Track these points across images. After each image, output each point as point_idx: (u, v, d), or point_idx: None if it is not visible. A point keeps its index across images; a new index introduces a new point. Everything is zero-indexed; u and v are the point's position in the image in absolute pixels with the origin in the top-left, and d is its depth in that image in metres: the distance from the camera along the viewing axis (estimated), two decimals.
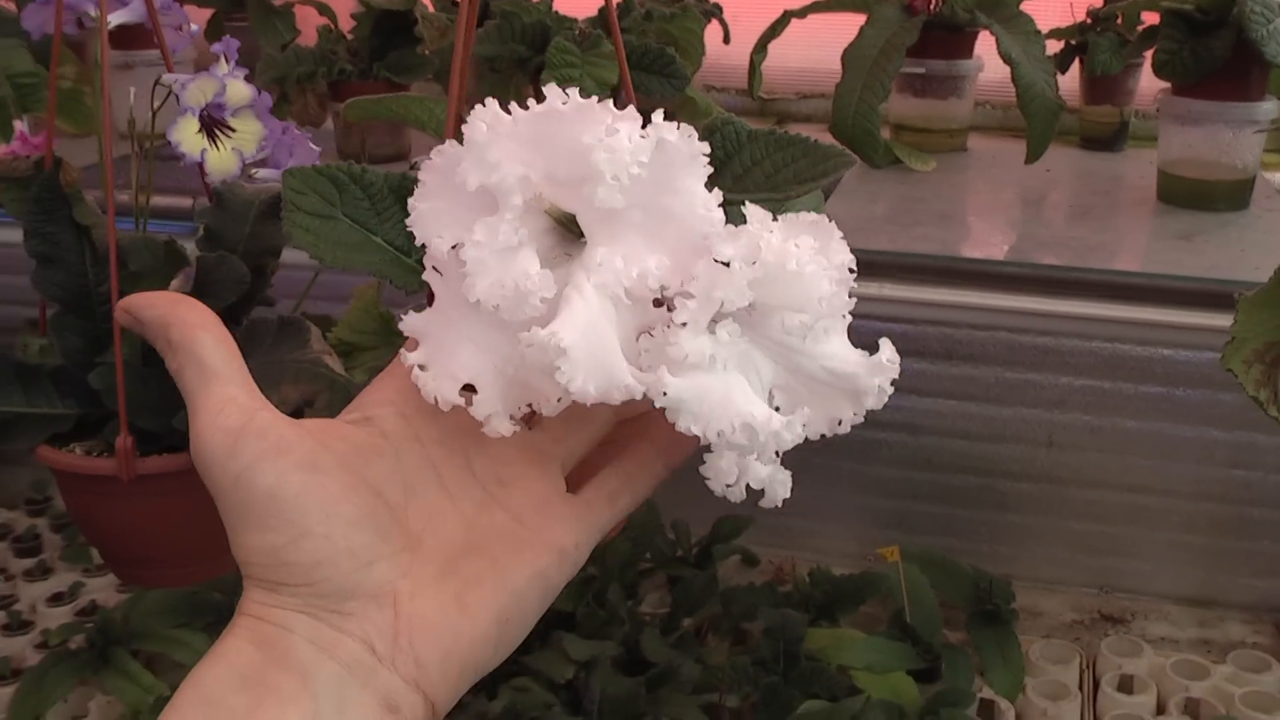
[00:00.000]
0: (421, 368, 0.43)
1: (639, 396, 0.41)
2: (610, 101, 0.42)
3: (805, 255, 0.42)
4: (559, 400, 0.43)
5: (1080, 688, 1.30)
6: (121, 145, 0.86)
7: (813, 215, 0.44)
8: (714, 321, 0.43)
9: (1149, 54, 1.58)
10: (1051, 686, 1.29)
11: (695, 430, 0.41)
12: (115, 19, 0.80)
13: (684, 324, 0.41)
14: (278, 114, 0.87)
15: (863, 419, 0.45)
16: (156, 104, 0.76)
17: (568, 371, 0.40)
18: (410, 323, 0.44)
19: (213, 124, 0.76)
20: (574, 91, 0.42)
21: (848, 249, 0.44)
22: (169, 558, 0.85)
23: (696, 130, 0.50)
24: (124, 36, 1.74)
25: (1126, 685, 1.29)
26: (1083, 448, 1.38)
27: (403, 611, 0.41)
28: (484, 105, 0.42)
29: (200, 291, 0.81)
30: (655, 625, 1.31)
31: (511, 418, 0.44)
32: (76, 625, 1.40)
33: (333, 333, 0.82)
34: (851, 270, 0.44)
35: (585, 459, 0.47)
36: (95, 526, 0.87)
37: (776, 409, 0.44)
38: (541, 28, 1.41)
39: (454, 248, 0.42)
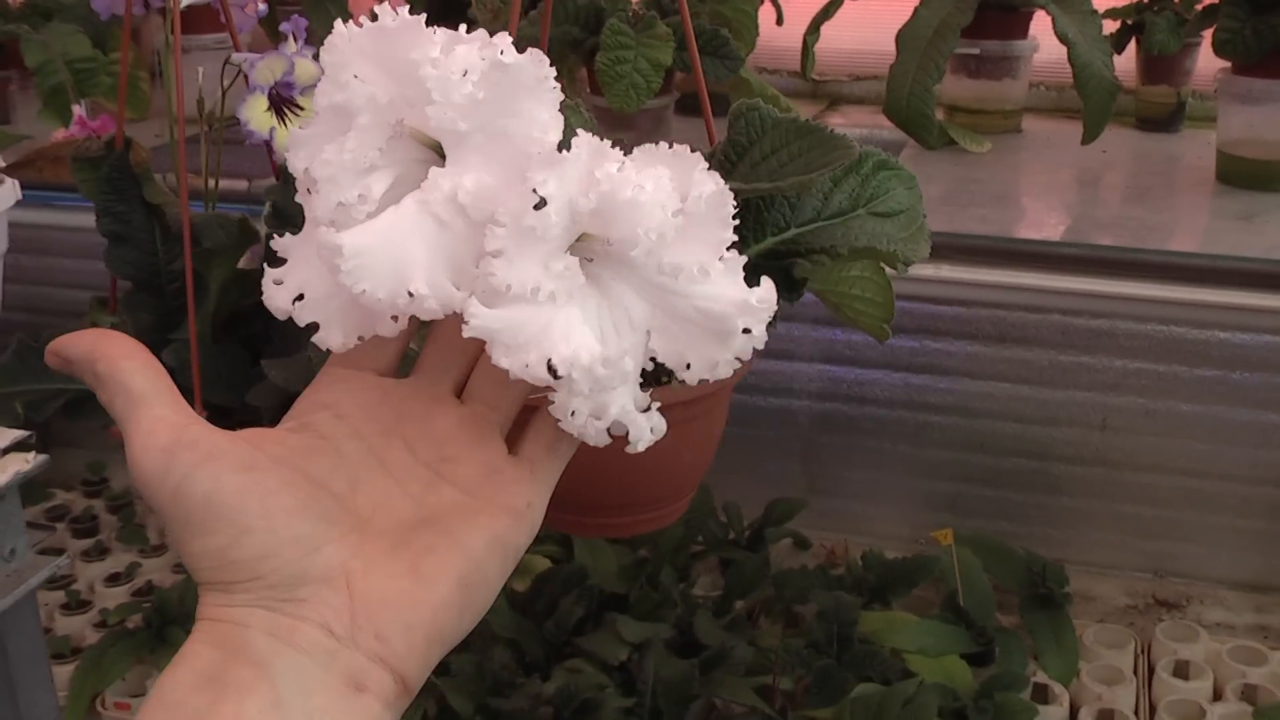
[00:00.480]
0: (276, 282, 0.44)
1: (432, 307, 0.41)
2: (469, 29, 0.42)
3: (646, 184, 0.41)
4: (394, 319, 0.43)
5: (1135, 673, 1.29)
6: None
7: (678, 147, 0.43)
8: (576, 254, 0.42)
9: (1206, 33, 1.56)
10: (1106, 671, 1.28)
11: (504, 363, 0.40)
12: (184, 0, 0.81)
13: (498, 251, 0.40)
14: None
15: (738, 362, 0.43)
16: (226, 83, 0.76)
17: (348, 274, 0.40)
18: (280, 242, 0.45)
19: (281, 102, 0.76)
20: (404, 9, 0.42)
21: (716, 180, 0.42)
22: None
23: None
24: (181, 20, 1.76)
25: (1182, 671, 1.28)
26: (1137, 431, 1.37)
27: (357, 590, 0.41)
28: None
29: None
30: (708, 608, 1.31)
31: (362, 337, 0.44)
32: (134, 605, 1.42)
33: None
34: (735, 205, 0.43)
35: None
36: None
37: (654, 353, 0.43)
38: (595, 9, 1.40)
39: (307, 169, 0.43)
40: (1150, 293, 1.33)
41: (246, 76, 0.73)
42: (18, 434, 0.73)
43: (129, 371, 0.44)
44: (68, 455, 1.71)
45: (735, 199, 0.43)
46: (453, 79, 0.40)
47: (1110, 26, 1.76)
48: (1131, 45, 1.84)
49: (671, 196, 0.41)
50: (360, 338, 0.44)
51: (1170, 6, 1.78)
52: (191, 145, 0.86)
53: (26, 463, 0.72)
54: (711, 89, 1.66)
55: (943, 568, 1.34)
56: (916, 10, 1.67)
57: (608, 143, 0.42)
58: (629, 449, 0.44)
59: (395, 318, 0.43)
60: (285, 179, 0.78)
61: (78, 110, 1.48)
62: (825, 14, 1.80)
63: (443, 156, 0.43)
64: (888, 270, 0.71)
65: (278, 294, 0.44)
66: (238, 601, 0.41)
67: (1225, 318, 1.31)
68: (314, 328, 0.43)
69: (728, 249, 0.43)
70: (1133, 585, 1.43)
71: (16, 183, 0.85)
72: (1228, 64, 1.54)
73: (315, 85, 0.77)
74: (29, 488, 0.78)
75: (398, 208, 0.41)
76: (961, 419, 1.43)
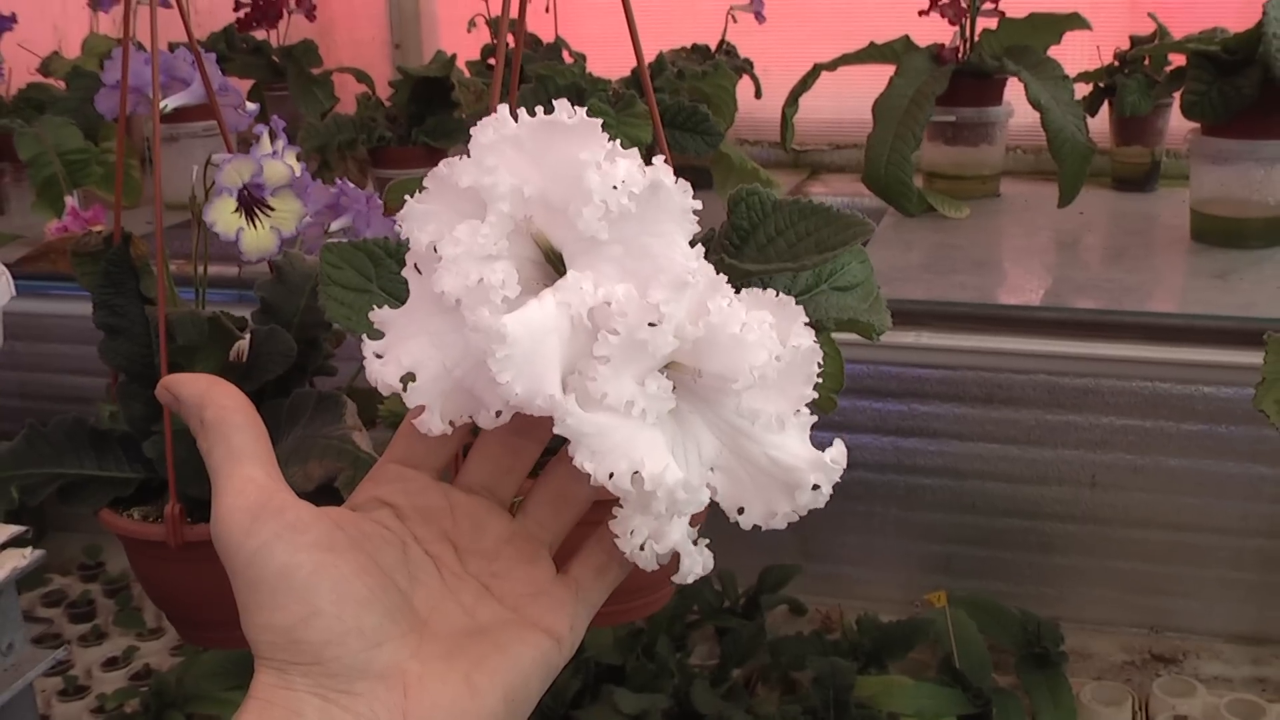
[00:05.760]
0: (377, 355, 0.44)
1: (551, 411, 0.41)
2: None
3: (753, 324, 0.42)
4: (497, 414, 0.43)
5: None
6: (170, 215, 0.89)
7: (783, 297, 0.44)
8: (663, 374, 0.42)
9: (1177, 94, 1.59)
10: None
11: (588, 467, 0.41)
12: (176, 101, 0.83)
13: (604, 359, 0.41)
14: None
15: (797, 517, 0.44)
16: (209, 184, 0.78)
17: (501, 361, 0.40)
18: (379, 314, 0.45)
19: (252, 203, 0.78)
20: (582, 110, 0.42)
21: (811, 336, 0.43)
22: (227, 621, 0.86)
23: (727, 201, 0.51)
24: (173, 111, 1.80)
25: None
26: (1126, 487, 1.38)
27: (411, 692, 0.41)
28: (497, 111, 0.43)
29: (252, 363, 0.83)
30: (705, 677, 1.32)
31: (452, 423, 0.44)
32: (131, 689, 1.42)
33: (384, 404, 0.84)
34: (819, 365, 0.43)
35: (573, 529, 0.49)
36: (154, 588, 0.89)
37: (713, 489, 0.44)
38: (576, 90, 1.43)
39: (433, 244, 0.43)
40: (1133, 353, 1.34)
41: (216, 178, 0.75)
42: (14, 530, 0.74)
43: (234, 425, 0.45)
44: (64, 540, 1.71)
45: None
46: (616, 185, 0.41)
47: (1083, 90, 1.80)
48: (1104, 107, 1.88)
49: (775, 342, 0.42)
50: (451, 423, 0.44)
51: (1141, 69, 1.81)
52: (186, 229, 0.88)
53: (23, 558, 0.73)
54: (693, 163, 1.69)
55: (937, 630, 1.34)
56: (892, 80, 1.71)
57: (723, 277, 0.43)
58: (676, 578, 0.44)
59: (498, 413, 0.43)
60: (277, 274, 0.80)
61: (70, 201, 1.50)
62: (803, 86, 1.84)
63: (551, 261, 0.44)
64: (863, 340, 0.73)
65: (384, 370, 0.44)
66: (294, 685, 0.41)
67: (1209, 373, 1.32)
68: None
69: (805, 405, 0.44)
70: (1129, 641, 1.43)
71: (10, 279, 0.87)
72: (1197, 125, 1.57)
73: (287, 185, 0.80)
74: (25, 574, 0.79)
75: (540, 304, 0.41)
76: (951, 480, 1.44)
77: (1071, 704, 1.29)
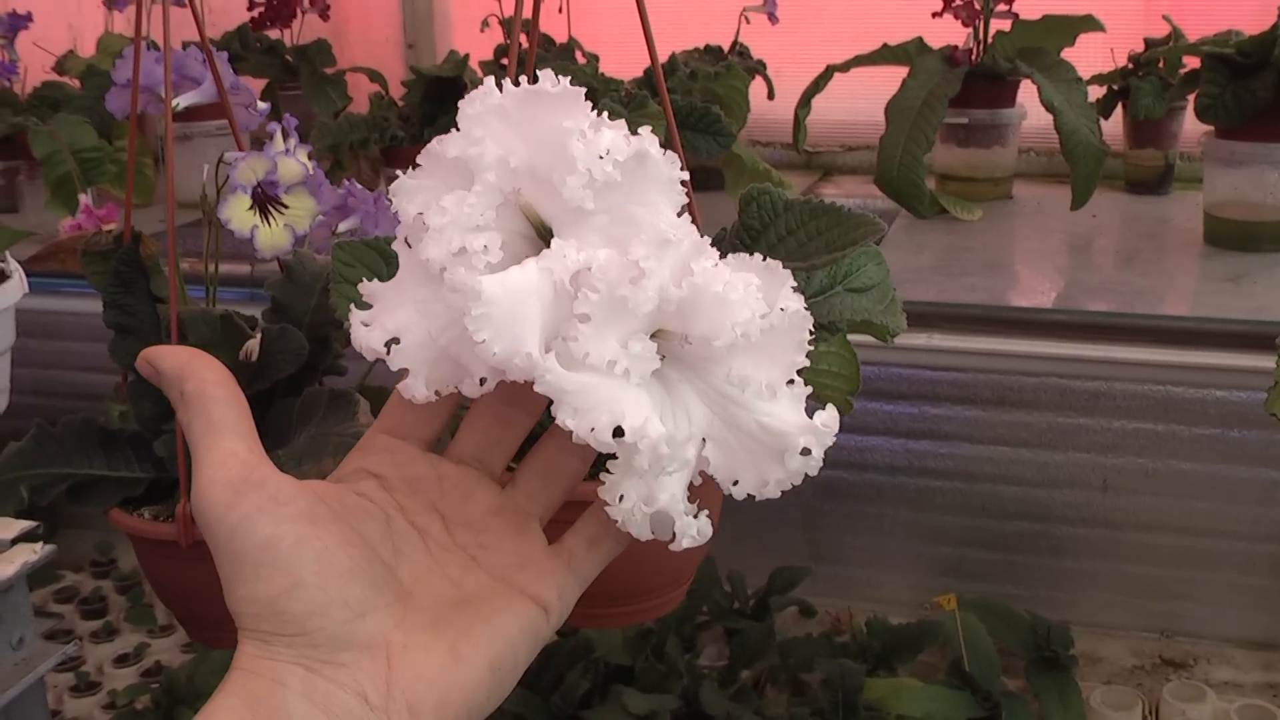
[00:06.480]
0: (364, 324, 0.44)
1: (531, 375, 0.41)
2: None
3: (736, 283, 0.42)
4: (481, 382, 0.43)
5: None
6: (181, 214, 0.89)
7: (770, 261, 0.43)
8: (654, 339, 0.42)
9: (1192, 97, 1.59)
10: None
11: (570, 424, 0.40)
12: (187, 100, 0.83)
13: (585, 317, 0.41)
14: (332, 181, 0.90)
15: (788, 484, 0.43)
16: (221, 181, 0.78)
17: (477, 319, 0.40)
18: (368, 286, 0.45)
19: (266, 200, 0.78)
20: (566, 79, 0.42)
21: (801, 301, 0.43)
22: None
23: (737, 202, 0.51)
24: (185, 110, 1.80)
25: None
26: (1138, 491, 1.38)
27: (395, 662, 0.42)
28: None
29: (263, 361, 0.83)
30: (714, 678, 1.32)
31: (438, 392, 0.44)
32: (142, 686, 1.42)
33: None
34: (812, 332, 0.43)
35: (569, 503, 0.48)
36: (165, 589, 0.89)
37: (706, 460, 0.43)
38: (588, 90, 1.43)
39: (420, 215, 0.43)
40: (1145, 356, 1.34)
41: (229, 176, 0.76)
42: (25, 525, 0.74)
43: (214, 398, 0.45)
44: (76, 536, 1.72)
45: None
46: (599, 153, 0.41)
47: (1096, 92, 1.79)
48: (1119, 110, 1.87)
49: (760, 302, 0.42)
50: (437, 393, 0.44)
51: (1155, 72, 1.81)
52: (197, 228, 0.88)
53: (34, 553, 0.73)
54: (705, 164, 1.69)
55: (947, 633, 1.34)
56: (905, 82, 1.70)
57: (708, 239, 0.43)
58: (672, 546, 0.43)
59: (483, 380, 0.43)
60: (288, 273, 0.80)
61: (84, 199, 1.51)
62: (816, 87, 1.84)
63: (541, 236, 0.44)
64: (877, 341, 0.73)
65: (368, 335, 0.44)
66: (278, 655, 0.41)
67: (1222, 377, 1.32)
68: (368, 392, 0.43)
69: (797, 373, 0.43)
70: (1139, 645, 1.43)
71: (24, 276, 0.87)
72: (1211, 128, 1.56)
73: (301, 183, 0.80)
74: (37, 570, 0.79)
75: (522, 269, 0.41)
76: (962, 483, 1.44)
77: (1081, 708, 1.29)
